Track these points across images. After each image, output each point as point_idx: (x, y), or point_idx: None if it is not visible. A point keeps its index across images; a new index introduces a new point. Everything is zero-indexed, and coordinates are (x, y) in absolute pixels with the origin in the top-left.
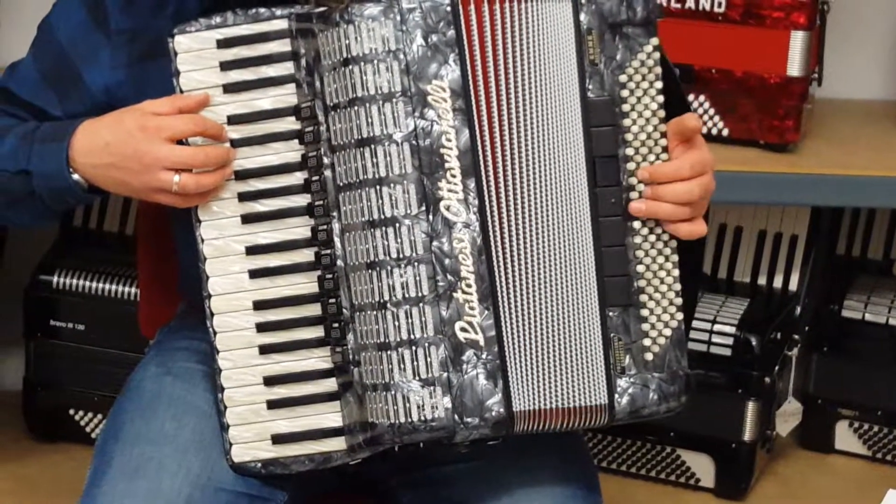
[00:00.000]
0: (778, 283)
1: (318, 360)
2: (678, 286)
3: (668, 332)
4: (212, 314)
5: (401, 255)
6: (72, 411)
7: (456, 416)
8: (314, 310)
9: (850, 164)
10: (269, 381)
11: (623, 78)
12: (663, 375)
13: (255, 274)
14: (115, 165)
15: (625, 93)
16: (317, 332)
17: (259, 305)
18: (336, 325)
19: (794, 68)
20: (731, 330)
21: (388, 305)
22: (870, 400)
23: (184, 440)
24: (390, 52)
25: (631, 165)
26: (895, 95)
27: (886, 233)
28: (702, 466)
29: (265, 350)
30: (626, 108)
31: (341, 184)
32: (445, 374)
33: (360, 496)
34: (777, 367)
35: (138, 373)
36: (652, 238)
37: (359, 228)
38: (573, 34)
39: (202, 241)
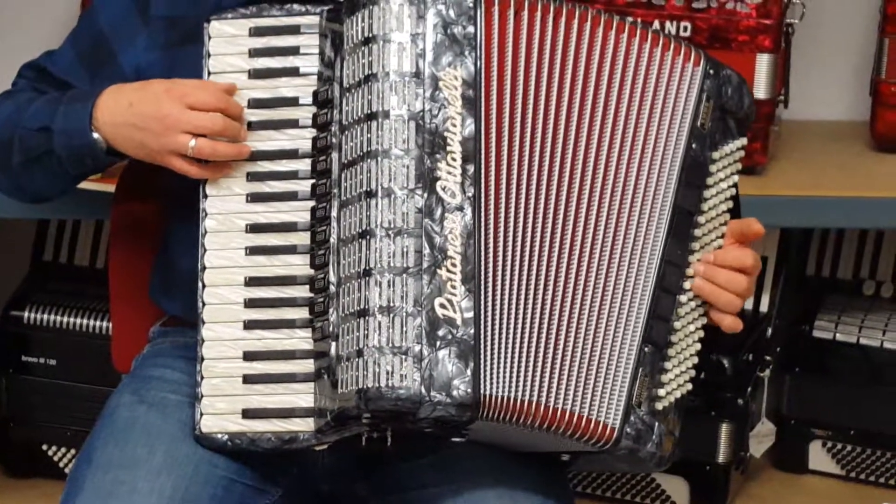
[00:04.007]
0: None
1: (300, 340)
2: (696, 360)
3: (678, 393)
4: (203, 286)
5: (392, 226)
6: (45, 447)
7: (423, 389)
8: (303, 291)
9: (819, 185)
10: (249, 356)
11: (715, 155)
12: (664, 428)
13: (251, 251)
14: (136, 126)
15: (713, 168)
16: (302, 313)
17: (251, 282)
18: (321, 299)
19: (761, 91)
20: None
21: (373, 272)
22: (843, 419)
23: (156, 463)
24: (410, 34)
25: (697, 232)
26: (861, 116)
27: (855, 252)
28: (676, 489)
29: (250, 326)
30: (709, 181)
31: (346, 161)
32: (419, 347)
33: None
34: (750, 389)
35: (113, 400)
36: (693, 304)
37: (355, 200)
38: (696, 93)
39: (206, 214)
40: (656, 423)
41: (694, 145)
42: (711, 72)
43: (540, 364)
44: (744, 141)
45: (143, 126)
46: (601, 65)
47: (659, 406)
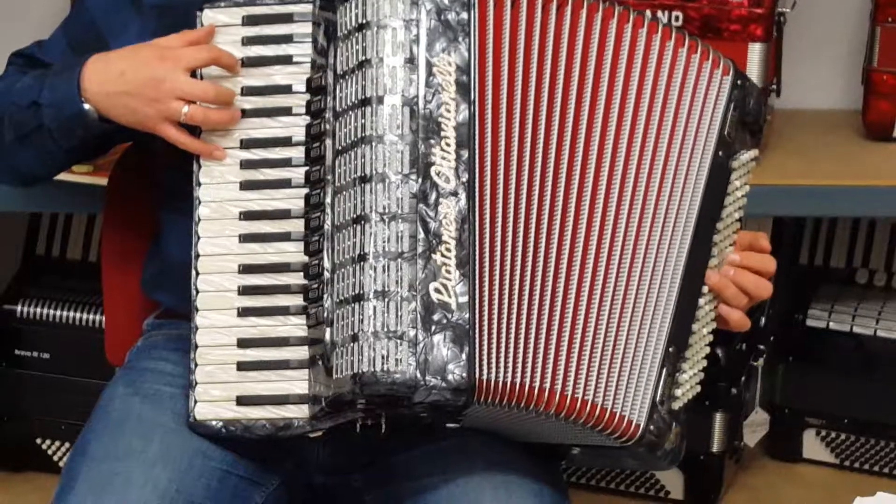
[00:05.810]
0: None
1: (294, 327)
2: (706, 362)
3: (690, 394)
4: (197, 274)
5: (386, 211)
6: (38, 440)
7: (418, 373)
8: (297, 278)
9: (812, 173)
10: (243, 343)
11: (735, 164)
12: (678, 428)
13: (245, 238)
14: (128, 93)
15: (733, 176)
16: (296, 300)
17: (245, 269)
18: (315, 285)
19: (753, 80)
20: None
21: (368, 257)
22: (836, 408)
23: (151, 455)
24: (403, 20)
25: (716, 237)
26: (854, 105)
27: (848, 241)
28: (671, 479)
29: (244, 313)
30: (729, 188)
31: (339, 147)
32: (414, 331)
33: None
34: (743, 378)
35: (107, 392)
36: (709, 307)
37: (349, 186)
38: (725, 102)
39: (199, 203)
40: (673, 423)
41: (720, 153)
42: (739, 82)
43: (553, 351)
44: (756, 152)
45: (136, 93)
46: (616, 59)
47: (675, 406)
